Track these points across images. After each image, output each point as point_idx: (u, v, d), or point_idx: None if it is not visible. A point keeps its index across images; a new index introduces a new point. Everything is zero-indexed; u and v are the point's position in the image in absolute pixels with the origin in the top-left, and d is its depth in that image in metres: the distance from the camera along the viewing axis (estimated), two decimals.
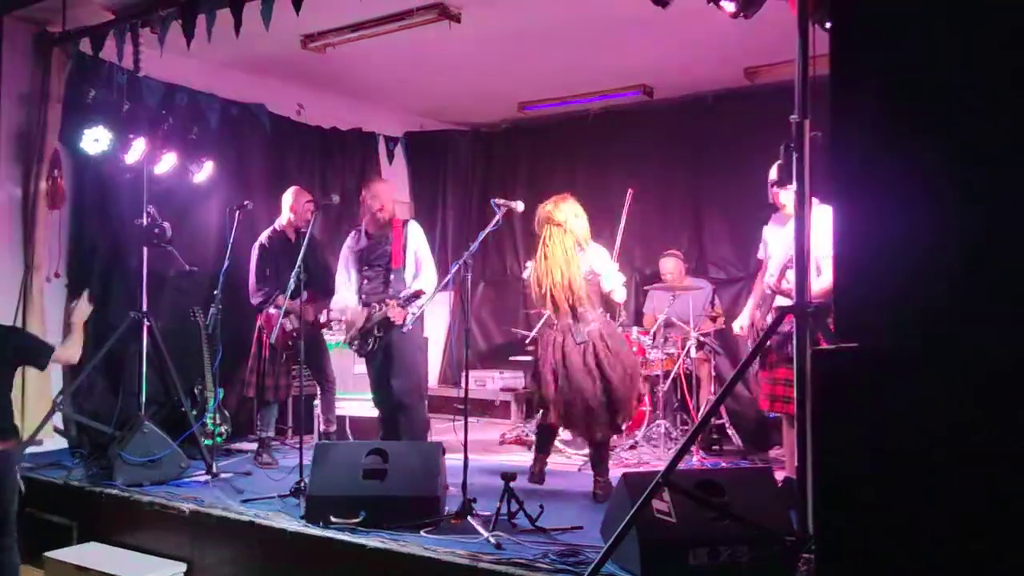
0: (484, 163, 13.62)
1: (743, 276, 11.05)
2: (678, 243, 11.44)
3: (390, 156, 12.81)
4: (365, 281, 8.63)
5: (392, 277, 8.48)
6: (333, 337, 9.78)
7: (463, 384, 7.27)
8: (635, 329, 10.29)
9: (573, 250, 7.63)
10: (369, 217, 8.63)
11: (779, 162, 5.25)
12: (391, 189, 8.86)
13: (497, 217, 7.49)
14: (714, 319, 10.62)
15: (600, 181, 11.64)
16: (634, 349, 9.37)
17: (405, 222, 8.72)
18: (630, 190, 9.24)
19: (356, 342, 8.48)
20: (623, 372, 7.49)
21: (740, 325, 8.04)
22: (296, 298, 8.58)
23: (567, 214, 7.68)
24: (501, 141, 13.36)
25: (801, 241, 5.25)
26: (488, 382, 12.17)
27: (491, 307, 13.47)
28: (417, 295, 8.26)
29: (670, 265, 10.90)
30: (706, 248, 11.67)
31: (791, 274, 6.38)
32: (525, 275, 7.72)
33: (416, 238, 8.57)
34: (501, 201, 7.59)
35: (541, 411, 7.70)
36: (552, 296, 7.55)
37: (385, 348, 8.43)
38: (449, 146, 13.49)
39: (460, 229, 13.45)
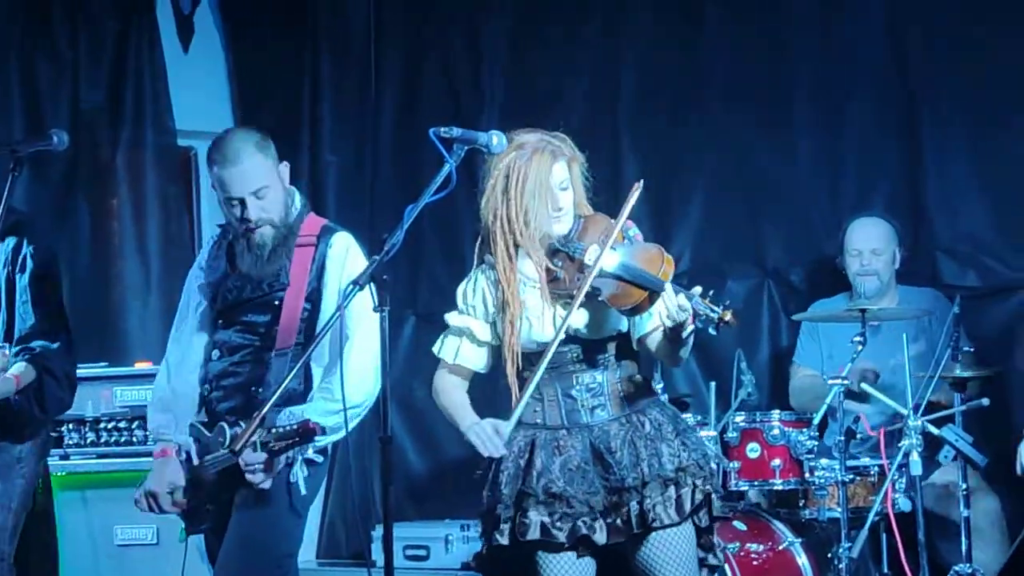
0: (409, 43, 7.56)
1: None
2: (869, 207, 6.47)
3: (185, 28, 7.66)
4: (217, 354, 4.65)
5: (271, 361, 4.55)
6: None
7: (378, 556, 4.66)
8: (776, 414, 5.85)
9: None
10: (278, 219, 4.60)
11: None
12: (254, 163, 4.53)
13: (447, 169, 3.95)
14: (962, 383, 5.71)
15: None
16: (775, 463, 5.61)
17: (324, 231, 4.63)
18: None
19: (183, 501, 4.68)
20: None
21: None
22: None
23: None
24: None
25: None
26: (435, 549, 6.90)
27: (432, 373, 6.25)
28: (307, 433, 4.22)
29: (871, 241, 6.14)
30: (932, 222, 6.46)
31: None
32: None
33: (347, 277, 4.38)
34: (456, 133, 4.01)
35: None
36: None
37: (226, 516, 4.61)
38: (323, 4, 7.72)
39: (352, 197, 7.56)
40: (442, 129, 3.92)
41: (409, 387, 7.12)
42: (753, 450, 5.58)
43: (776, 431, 5.53)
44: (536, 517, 4.00)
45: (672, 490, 3.99)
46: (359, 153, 7.60)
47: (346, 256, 4.52)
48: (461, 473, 6.70)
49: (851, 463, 5.51)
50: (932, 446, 5.43)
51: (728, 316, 3.88)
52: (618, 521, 3.95)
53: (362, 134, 7.63)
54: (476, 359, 4.19)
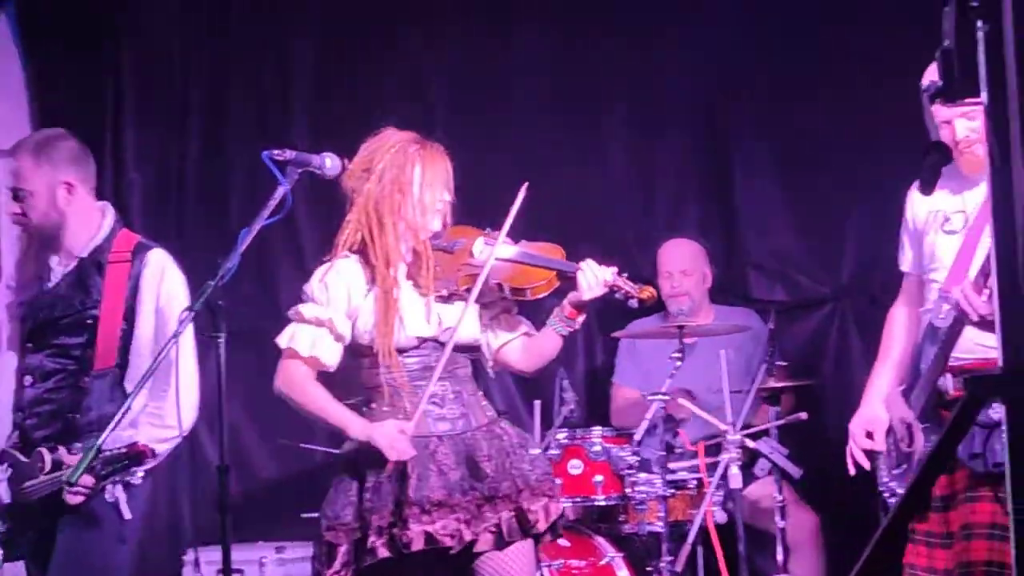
0: (215, 59, 7.02)
1: (832, 296, 6.27)
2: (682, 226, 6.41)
3: None
4: (29, 379, 4.32)
5: (89, 384, 4.25)
6: None
7: None
8: (598, 431, 5.64)
9: None
10: (36, 224, 4.36)
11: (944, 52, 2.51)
12: (72, 161, 4.36)
13: (281, 191, 3.76)
14: (776, 396, 5.55)
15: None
16: (597, 479, 5.47)
17: (138, 248, 4.36)
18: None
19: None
20: None
21: (866, 425, 4.15)
22: None
23: None
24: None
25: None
26: (249, 572, 6.21)
27: (251, 393, 5.64)
28: (137, 456, 3.93)
29: (680, 262, 5.99)
30: (743, 238, 6.41)
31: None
32: None
33: (164, 295, 4.29)
34: (290, 155, 3.82)
35: None
36: None
37: (46, 543, 4.27)
38: (130, 6, 7.01)
39: (157, 215, 6.85)
40: (275, 152, 3.75)
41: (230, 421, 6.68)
42: (575, 466, 5.39)
43: (598, 447, 5.38)
44: (418, 528, 3.79)
45: (536, 502, 3.92)
46: (164, 171, 7.07)
47: (163, 275, 4.29)
48: (274, 494, 6.54)
49: (671, 477, 5.36)
50: (749, 459, 5.31)
51: (647, 292, 4.00)
52: (487, 531, 3.82)
53: (167, 151, 7.08)
54: (331, 355, 3.93)
